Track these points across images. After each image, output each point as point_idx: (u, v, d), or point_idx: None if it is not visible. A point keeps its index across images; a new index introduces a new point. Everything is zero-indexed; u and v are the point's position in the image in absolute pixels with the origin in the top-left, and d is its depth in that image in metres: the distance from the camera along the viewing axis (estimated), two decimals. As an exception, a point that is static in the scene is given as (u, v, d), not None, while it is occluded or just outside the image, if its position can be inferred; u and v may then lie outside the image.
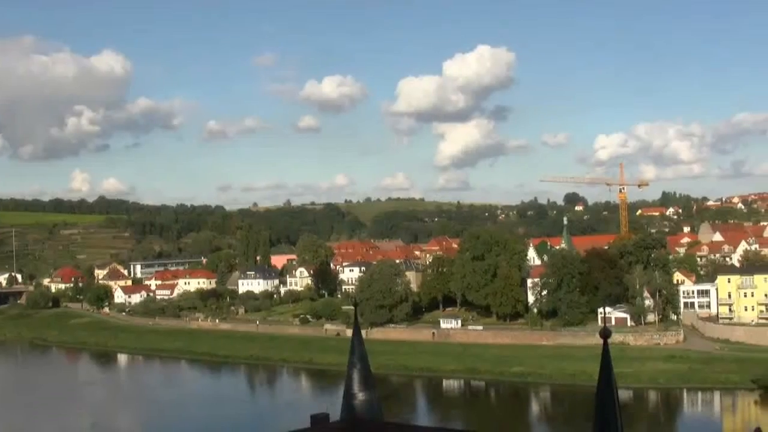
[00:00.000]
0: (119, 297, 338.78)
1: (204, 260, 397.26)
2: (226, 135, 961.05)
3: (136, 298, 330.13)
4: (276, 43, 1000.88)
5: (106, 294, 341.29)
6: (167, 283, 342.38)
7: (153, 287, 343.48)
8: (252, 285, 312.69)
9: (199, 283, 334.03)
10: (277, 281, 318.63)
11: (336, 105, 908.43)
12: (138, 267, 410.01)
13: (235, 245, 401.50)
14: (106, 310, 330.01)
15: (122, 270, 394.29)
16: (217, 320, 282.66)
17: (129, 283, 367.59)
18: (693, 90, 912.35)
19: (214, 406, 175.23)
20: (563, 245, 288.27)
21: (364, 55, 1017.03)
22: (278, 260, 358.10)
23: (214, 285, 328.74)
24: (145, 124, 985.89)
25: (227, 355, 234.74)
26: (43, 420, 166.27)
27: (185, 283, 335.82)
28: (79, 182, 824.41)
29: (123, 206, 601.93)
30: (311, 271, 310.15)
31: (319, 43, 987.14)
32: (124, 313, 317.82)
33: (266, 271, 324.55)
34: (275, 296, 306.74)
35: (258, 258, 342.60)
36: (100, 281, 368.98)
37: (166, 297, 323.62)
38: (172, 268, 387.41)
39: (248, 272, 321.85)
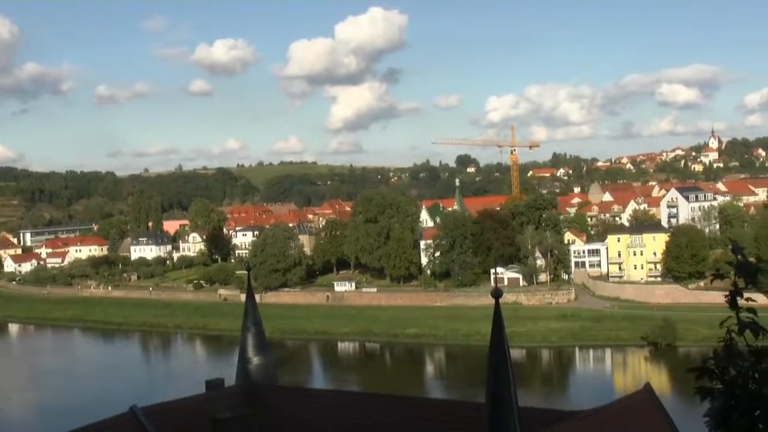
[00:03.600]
0: (9, 266, 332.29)
1: (95, 227, 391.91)
2: (116, 100, 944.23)
3: (26, 267, 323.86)
4: (166, 7, 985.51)
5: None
6: (58, 251, 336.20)
7: (44, 255, 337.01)
8: (144, 251, 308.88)
9: (90, 250, 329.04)
10: (169, 247, 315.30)
11: (228, 68, 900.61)
12: (28, 235, 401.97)
13: (126, 211, 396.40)
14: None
15: (11, 238, 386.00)
16: (109, 287, 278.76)
17: (19, 251, 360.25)
18: (583, 52, 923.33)
19: (107, 374, 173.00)
20: (456, 207, 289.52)
21: (255, 18, 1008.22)
22: (171, 226, 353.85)
23: (106, 252, 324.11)
24: (34, 89, 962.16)
25: (120, 322, 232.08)
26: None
27: (77, 251, 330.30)
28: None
29: (11, 173, 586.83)
30: (204, 236, 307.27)
31: (210, 6, 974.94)
32: (14, 282, 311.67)
33: (158, 237, 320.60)
34: (168, 262, 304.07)
35: (150, 224, 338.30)
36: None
37: (57, 265, 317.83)
38: (63, 236, 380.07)
39: (140, 238, 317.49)
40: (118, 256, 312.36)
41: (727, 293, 7.78)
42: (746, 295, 7.76)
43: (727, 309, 7.79)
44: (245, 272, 49.14)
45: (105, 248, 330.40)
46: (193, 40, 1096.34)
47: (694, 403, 7.85)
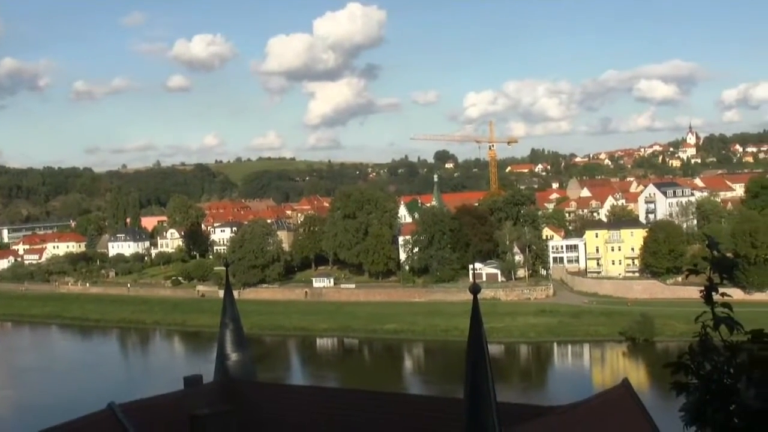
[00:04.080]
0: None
1: (73, 223, 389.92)
2: (93, 96, 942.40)
3: (3, 264, 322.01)
4: (144, 2, 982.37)
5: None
6: (35, 247, 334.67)
7: (21, 252, 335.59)
8: (122, 248, 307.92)
9: (68, 246, 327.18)
10: (147, 243, 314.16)
11: (206, 64, 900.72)
12: (5, 231, 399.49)
13: (104, 208, 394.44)
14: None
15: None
16: (87, 284, 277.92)
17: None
18: (561, 48, 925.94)
19: (85, 370, 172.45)
20: (434, 203, 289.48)
21: (234, 14, 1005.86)
22: (149, 222, 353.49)
23: (83, 248, 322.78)
24: (11, 85, 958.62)
25: (98, 319, 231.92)
26: None
27: (54, 247, 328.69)
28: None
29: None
30: (182, 233, 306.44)
31: (188, 1, 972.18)
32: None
33: (136, 233, 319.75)
34: (146, 258, 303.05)
35: (128, 220, 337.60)
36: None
37: (34, 261, 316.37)
38: (41, 232, 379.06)
39: (118, 235, 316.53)
40: (96, 253, 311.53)
41: (703, 288, 7.84)
42: (721, 290, 7.82)
43: (704, 304, 7.85)
44: (224, 268, 49.02)
45: (83, 245, 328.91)
46: (172, 35, 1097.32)
47: (671, 397, 7.90)
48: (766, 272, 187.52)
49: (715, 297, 7.76)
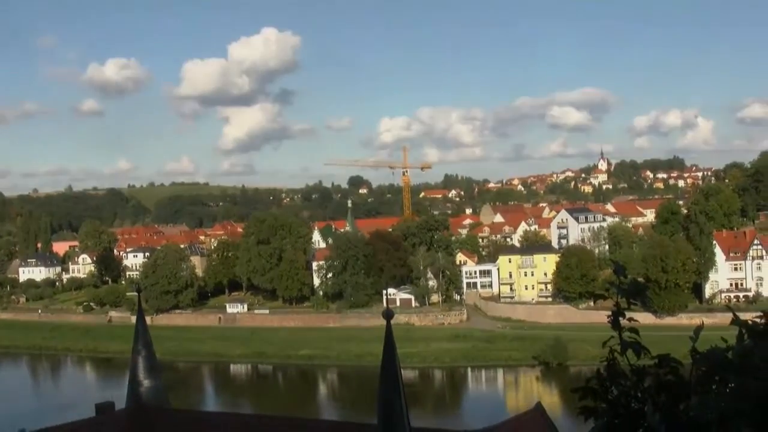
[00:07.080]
0: None
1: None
2: (5, 119, 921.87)
3: None
4: (56, 25, 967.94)
5: None
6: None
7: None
8: (33, 273, 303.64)
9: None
10: (59, 269, 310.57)
11: (119, 88, 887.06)
12: None
13: (14, 232, 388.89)
14: None
15: None
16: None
17: None
18: (475, 75, 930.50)
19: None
20: (348, 228, 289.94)
21: (148, 38, 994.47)
22: (60, 247, 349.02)
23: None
24: None
25: (8, 345, 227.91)
26: None
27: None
28: None
29: None
30: (94, 258, 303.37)
31: (102, 24, 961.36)
32: None
33: (48, 258, 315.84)
34: (57, 284, 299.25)
35: (39, 245, 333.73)
36: None
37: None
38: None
39: (29, 260, 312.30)
40: (6, 278, 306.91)
41: (610, 314, 7.92)
42: (629, 315, 7.89)
43: (612, 329, 7.91)
44: (136, 294, 48.47)
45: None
46: (84, 59, 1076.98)
47: (584, 421, 7.96)
48: (677, 297, 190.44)
49: (623, 322, 7.83)
